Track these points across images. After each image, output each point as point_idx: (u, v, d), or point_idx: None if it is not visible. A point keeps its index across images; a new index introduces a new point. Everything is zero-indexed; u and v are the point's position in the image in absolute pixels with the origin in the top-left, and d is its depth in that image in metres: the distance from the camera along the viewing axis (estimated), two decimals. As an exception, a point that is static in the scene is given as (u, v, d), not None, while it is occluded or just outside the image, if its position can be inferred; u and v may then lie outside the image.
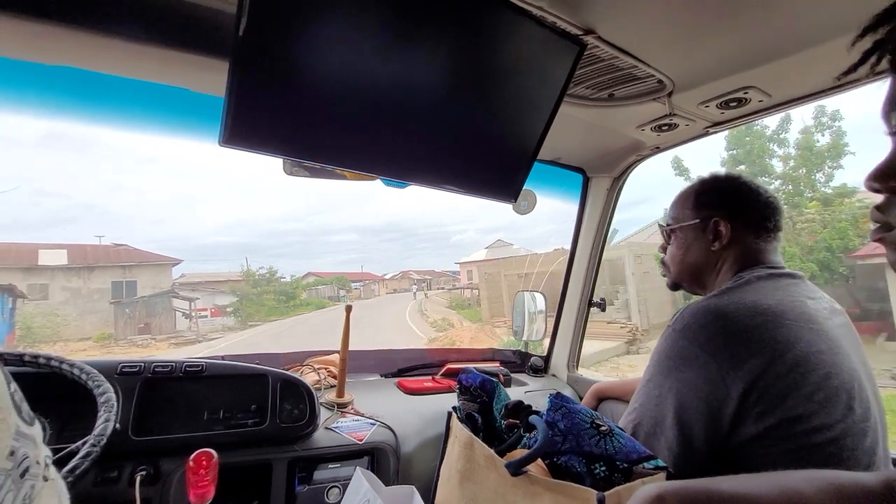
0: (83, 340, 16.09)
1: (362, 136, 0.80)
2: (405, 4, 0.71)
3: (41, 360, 0.83)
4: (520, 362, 1.83)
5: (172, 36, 0.79)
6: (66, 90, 0.87)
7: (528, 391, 1.55)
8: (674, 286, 1.04)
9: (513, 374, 1.68)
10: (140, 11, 0.75)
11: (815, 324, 0.76)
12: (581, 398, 1.50)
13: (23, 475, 0.30)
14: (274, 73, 0.67)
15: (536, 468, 0.68)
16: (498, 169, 0.95)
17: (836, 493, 0.41)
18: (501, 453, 0.74)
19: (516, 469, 0.63)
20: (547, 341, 1.81)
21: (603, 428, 0.69)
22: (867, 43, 0.38)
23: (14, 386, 0.33)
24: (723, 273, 0.93)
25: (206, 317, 19.75)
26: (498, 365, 1.69)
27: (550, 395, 0.75)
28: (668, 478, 0.67)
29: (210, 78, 0.85)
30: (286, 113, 0.71)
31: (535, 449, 0.65)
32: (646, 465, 0.67)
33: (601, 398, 1.36)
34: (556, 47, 0.84)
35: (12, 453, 0.30)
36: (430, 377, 1.55)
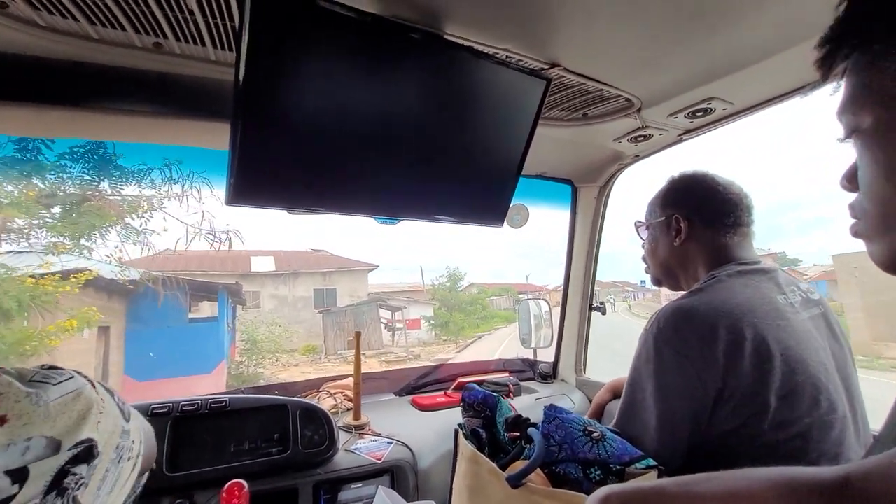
0: (291, 353, 14.83)
1: (354, 181, 0.87)
2: (385, 55, 0.78)
3: None
4: (529, 370, 1.88)
5: (177, 105, 0.89)
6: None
7: (539, 398, 1.60)
8: (655, 282, 1.08)
9: (523, 383, 1.73)
10: (145, 88, 0.85)
11: (783, 320, 0.79)
12: (591, 401, 1.54)
13: (119, 460, 0.45)
14: (269, 130, 0.74)
15: (537, 478, 0.73)
16: (483, 196, 1.01)
17: (786, 488, 0.44)
18: (505, 466, 0.79)
19: (516, 482, 0.69)
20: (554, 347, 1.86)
21: (595, 434, 0.75)
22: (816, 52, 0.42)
23: (117, 395, 0.48)
24: (694, 270, 0.96)
25: (401, 328, 17.77)
26: (507, 375, 1.74)
27: (545, 407, 0.80)
28: (660, 475, 0.72)
29: (217, 138, 0.94)
30: (283, 168, 0.78)
31: (531, 461, 0.70)
32: (637, 465, 0.72)
33: (617, 393, 1.36)
34: (524, 82, 0.90)
35: (117, 447, 0.45)
36: (442, 392, 1.61)
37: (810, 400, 0.74)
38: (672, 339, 0.78)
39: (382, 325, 17.22)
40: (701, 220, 0.95)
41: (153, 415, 1.03)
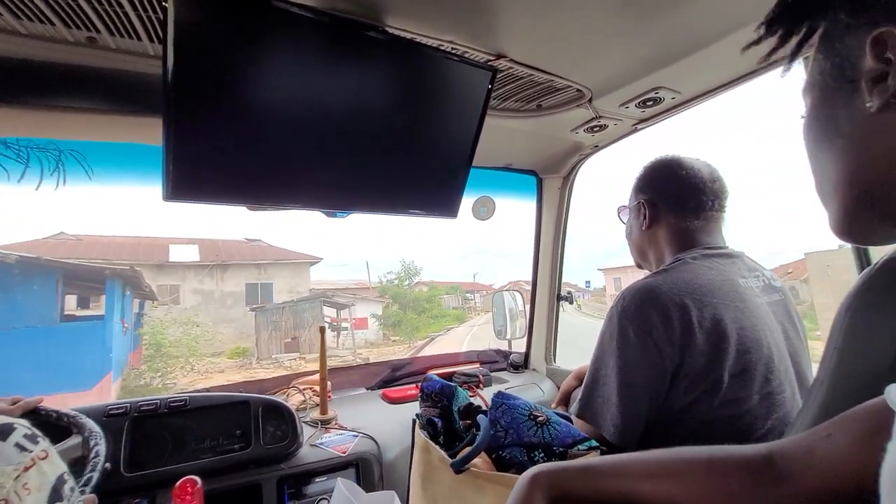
0: (217, 356, 12.88)
1: (300, 174, 0.87)
2: (328, 48, 0.77)
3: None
4: (503, 360, 1.90)
5: (110, 100, 0.87)
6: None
7: (509, 388, 1.62)
8: (637, 265, 1.10)
9: (495, 373, 1.75)
10: (76, 84, 0.83)
11: (741, 301, 0.82)
12: (559, 388, 1.57)
13: None
14: (206, 124, 0.73)
15: (482, 463, 0.75)
16: (434, 188, 1.02)
17: (709, 464, 0.46)
18: (457, 453, 0.80)
19: (458, 467, 0.70)
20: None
21: (540, 418, 0.76)
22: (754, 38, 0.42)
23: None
24: (661, 254, 0.98)
25: (346, 329, 15.93)
26: (478, 366, 1.76)
27: (493, 394, 0.81)
28: (603, 454, 0.74)
29: (154, 134, 0.93)
30: (224, 162, 0.78)
31: (474, 447, 0.72)
32: (580, 447, 0.74)
33: (582, 378, 1.41)
34: (470, 73, 0.91)
35: None
36: (413, 385, 1.62)
37: (761, 378, 0.77)
38: (635, 316, 0.80)
39: (326, 325, 15.35)
40: (665, 204, 0.96)
41: (110, 416, 1.02)
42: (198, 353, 11.77)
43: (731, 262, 0.90)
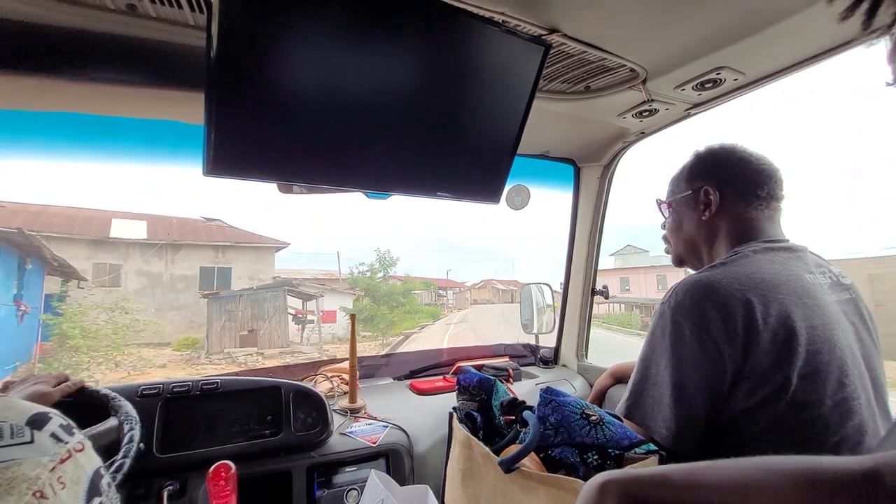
0: (160, 347, 11.25)
1: (342, 153, 0.83)
2: (372, 20, 0.73)
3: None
4: (530, 355, 1.85)
5: (151, 75, 0.84)
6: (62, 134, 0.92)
7: (539, 383, 1.57)
8: (678, 261, 1.04)
9: (523, 368, 1.70)
10: (119, 57, 0.81)
11: (810, 298, 0.76)
12: (591, 386, 1.52)
13: None
14: (249, 99, 0.71)
15: (531, 462, 0.70)
16: (478, 171, 0.97)
17: (804, 480, 0.40)
18: (500, 450, 0.76)
19: (508, 466, 0.66)
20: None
21: (593, 418, 0.71)
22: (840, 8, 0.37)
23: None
24: (717, 246, 0.92)
25: (312, 322, 14.29)
26: (507, 360, 1.72)
27: (541, 390, 0.77)
28: (661, 460, 0.69)
29: (193, 110, 0.90)
30: (266, 137, 0.75)
31: (525, 445, 0.67)
32: (637, 450, 0.69)
33: (619, 378, 1.34)
34: (521, 49, 0.86)
35: None
36: (441, 377, 1.59)
37: (835, 383, 0.71)
38: (691, 312, 0.74)
39: (290, 317, 13.33)
40: (733, 191, 0.89)
41: (143, 396, 1.01)
42: (121, 345, 10.13)
43: (796, 257, 0.84)
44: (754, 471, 0.43)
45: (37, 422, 0.37)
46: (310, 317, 14.43)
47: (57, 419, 0.39)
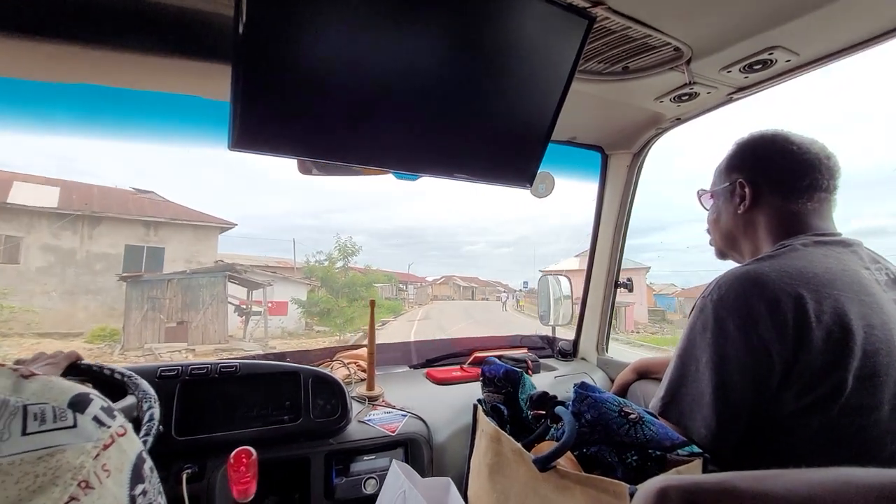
0: (68, 338, 9.49)
1: (372, 131, 0.79)
2: None
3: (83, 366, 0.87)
4: (548, 347, 1.82)
5: (175, 45, 0.81)
6: (80, 107, 0.89)
7: (558, 376, 1.54)
8: (720, 254, 0.99)
9: (541, 360, 1.67)
10: (141, 24, 0.77)
11: (867, 295, 0.71)
12: (612, 381, 1.48)
13: None
14: (277, 73, 0.67)
15: (566, 460, 0.67)
16: (511, 153, 0.93)
17: (887, 499, 0.36)
18: (529, 445, 0.73)
19: (544, 465, 0.63)
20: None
21: (632, 416, 0.68)
22: None
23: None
24: (759, 241, 0.87)
25: (258, 314, 12.44)
26: (526, 351, 1.68)
27: (575, 385, 0.73)
28: (705, 464, 0.65)
29: (216, 83, 0.86)
30: (293, 112, 0.71)
31: (562, 443, 0.64)
32: (680, 451, 0.65)
33: (642, 373, 1.30)
34: (563, 22, 0.80)
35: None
36: (458, 366, 1.56)
37: (893, 386, 0.66)
38: (735, 306, 0.70)
39: (232, 308, 11.46)
40: (768, 183, 0.84)
41: (162, 377, 1.00)
42: (9, 335, 8.77)
43: (851, 251, 0.79)
44: (831, 482, 0.39)
45: (79, 403, 0.34)
46: (255, 308, 12.49)
47: (98, 401, 0.36)
